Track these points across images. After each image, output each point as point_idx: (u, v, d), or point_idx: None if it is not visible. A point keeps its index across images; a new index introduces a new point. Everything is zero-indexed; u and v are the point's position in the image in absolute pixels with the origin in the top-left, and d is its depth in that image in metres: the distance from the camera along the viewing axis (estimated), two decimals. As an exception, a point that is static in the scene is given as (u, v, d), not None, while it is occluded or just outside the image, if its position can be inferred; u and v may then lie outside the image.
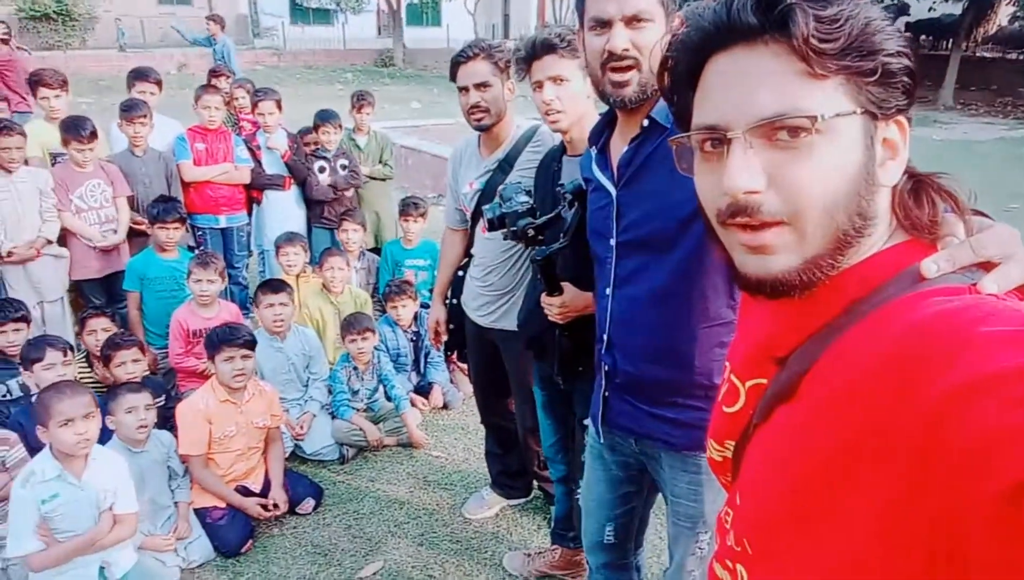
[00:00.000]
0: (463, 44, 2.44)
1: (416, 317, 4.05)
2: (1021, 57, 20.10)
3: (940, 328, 0.58)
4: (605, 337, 1.64)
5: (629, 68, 1.43)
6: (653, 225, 1.49)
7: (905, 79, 0.68)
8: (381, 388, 3.76)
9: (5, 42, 7.65)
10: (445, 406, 3.99)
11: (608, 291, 1.61)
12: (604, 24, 1.43)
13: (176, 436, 2.96)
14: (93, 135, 3.88)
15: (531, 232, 1.90)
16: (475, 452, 3.53)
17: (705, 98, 0.73)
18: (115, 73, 16.65)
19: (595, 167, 1.62)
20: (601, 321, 1.66)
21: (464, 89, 2.36)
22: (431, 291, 3.14)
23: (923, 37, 22.02)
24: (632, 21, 1.41)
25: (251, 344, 3.01)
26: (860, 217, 0.69)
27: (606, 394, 1.68)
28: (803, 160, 0.67)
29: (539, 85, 1.99)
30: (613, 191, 1.56)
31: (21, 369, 3.10)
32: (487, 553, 2.89)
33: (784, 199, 0.68)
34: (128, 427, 2.71)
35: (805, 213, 0.68)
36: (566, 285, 1.99)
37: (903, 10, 18.99)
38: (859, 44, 0.65)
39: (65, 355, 3.00)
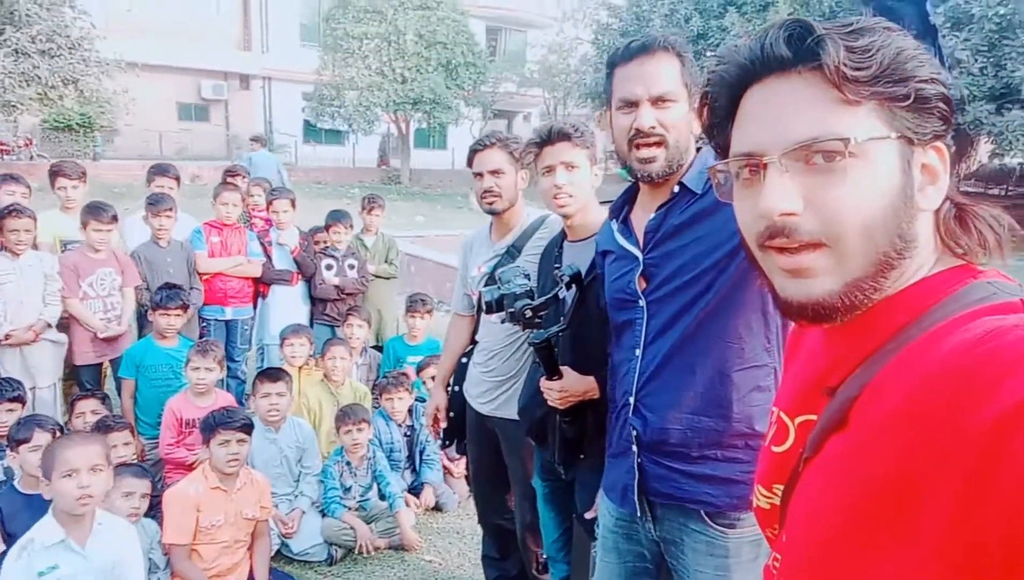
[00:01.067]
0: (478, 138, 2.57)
1: (411, 411, 3.99)
2: (1003, 192, 20.92)
3: (990, 347, 0.58)
4: (631, 400, 1.61)
5: (657, 144, 1.52)
6: (686, 277, 1.51)
7: (940, 105, 0.70)
8: (375, 486, 3.63)
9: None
10: (438, 508, 3.84)
11: (637, 352, 1.60)
12: (631, 104, 1.53)
13: (160, 525, 2.83)
14: (114, 219, 3.98)
15: (528, 313, 1.92)
16: (470, 558, 3.36)
17: (742, 127, 0.76)
18: (130, 181, 17.25)
19: (619, 236, 1.66)
20: (627, 385, 1.63)
21: (479, 175, 2.46)
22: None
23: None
24: (658, 101, 1.50)
25: (248, 428, 2.95)
26: (900, 239, 0.69)
27: (639, 461, 1.62)
28: (839, 183, 0.68)
29: (550, 169, 2.05)
30: (640, 255, 1.59)
31: (7, 451, 3.01)
32: (482, 666, 2.69)
33: (821, 220, 0.69)
34: (120, 512, 2.59)
35: (843, 234, 0.68)
36: (565, 369, 1.98)
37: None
38: (891, 71, 0.68)
39: (54, 436, 2.92)
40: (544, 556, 2.65)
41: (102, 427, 3.14)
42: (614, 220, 1.71)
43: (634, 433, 1.61)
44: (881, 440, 0.64)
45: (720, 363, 1.49)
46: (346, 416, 3.54)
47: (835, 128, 0.68)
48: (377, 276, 5.01)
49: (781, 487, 0.85)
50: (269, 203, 4.74)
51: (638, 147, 1.53)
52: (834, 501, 0.70)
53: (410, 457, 3.98)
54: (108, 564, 2.26)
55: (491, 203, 2.46)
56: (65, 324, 4.00)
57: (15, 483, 2.93)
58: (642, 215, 1.63)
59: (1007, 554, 0.51)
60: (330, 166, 24.36)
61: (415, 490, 3.89)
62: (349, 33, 20.94)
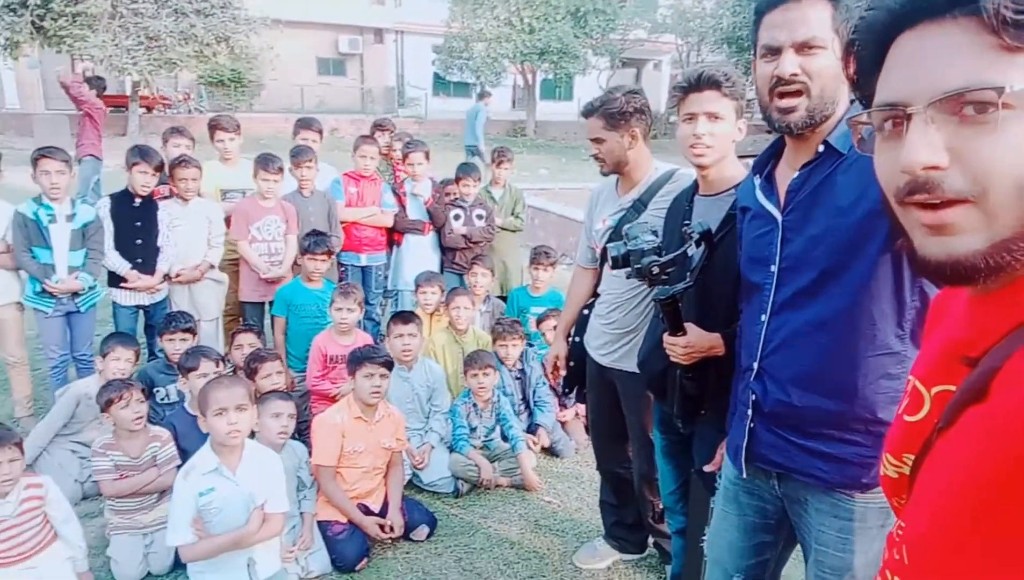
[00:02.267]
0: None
1: (522, 356, 4.11)
2: None
3: None
4: (755, 365, 1.59)
5: (797, 93, 1.45)
6: (821, 249, 1.46)
7: None
8: (498, 428, 3.80)
9: (91, 86, 8.56)
10: (555, 453, 3.97)
11: (763, 318, 1.57)
12: (774, 51, 1.46)
13: (309, 448, 3.13)
14: (280, 170, 4.33)
15: (655, 270, 1.90)
16: (588, 503, 3.47)
17: (887, 76, 0.72)
18: (276, 134, 18.36)
19: (760, 194, 1.61)
20: (751, 348, 1.61)
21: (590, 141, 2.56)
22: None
23: None
24: (803, 48, 1.43)
25: (389, 364, 3.18)
26: None
27: (752, 425, 1.61)
28: (991, 135, 0.63)
29: (691, 117, 2.01)
30: (779, 217, 1.54)
31: (179, 377, 3.41)
32: (596, 604, 2.82)
33: (969, 176, 0.64)
34: (271, 431, 2.90)
35: (993, 190, 0.64)
36: (690, 326, 1.97)
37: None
38: None
39: (217, 365, 3.28)
40: (661, 506, 2.70)
41: (256, 358, 3.48)
42: (757, 175, 1.64)
43: (752, 397, 1.60)
44: (1021, 417, 0.61)
45: (850, 346, 1.44)
46: (473, 361, 3.72)
47: (990, 76, 0.63)
48: (503, 228, 5.14)
49: (911, 457, 0.83)
50: (405, 156, 4.94)
51: (780, 96, 1.46)
52: (966, 476, 0.67)
53: (524, 400, 4.12)
54: (255, 487, 2.55)
55: (600, 168, 2.57)
56: (232, 266, 4.43)
57: (185, 405, 3.34)
58: (787, 172, 1.56)
59: None
60: (458, 119, 24.73)
61: (529, 432, 4.02)
62: (478, -16, 20.99)
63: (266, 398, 2.99)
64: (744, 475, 1.67)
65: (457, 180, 4.97)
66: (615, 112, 2.46)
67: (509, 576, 2.96)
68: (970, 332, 0.75)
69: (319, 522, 3.03)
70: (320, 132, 4.99)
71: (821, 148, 1.47)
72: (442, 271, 4.99)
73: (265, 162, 4.29)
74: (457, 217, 4.89)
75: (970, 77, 0.64)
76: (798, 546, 1.73)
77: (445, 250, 4.99)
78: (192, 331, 3.78)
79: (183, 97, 21.62)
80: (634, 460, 2.78)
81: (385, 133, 5.47)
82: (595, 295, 2.78)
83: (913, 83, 0.68)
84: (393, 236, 5.00)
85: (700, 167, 2.09)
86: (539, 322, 4.46)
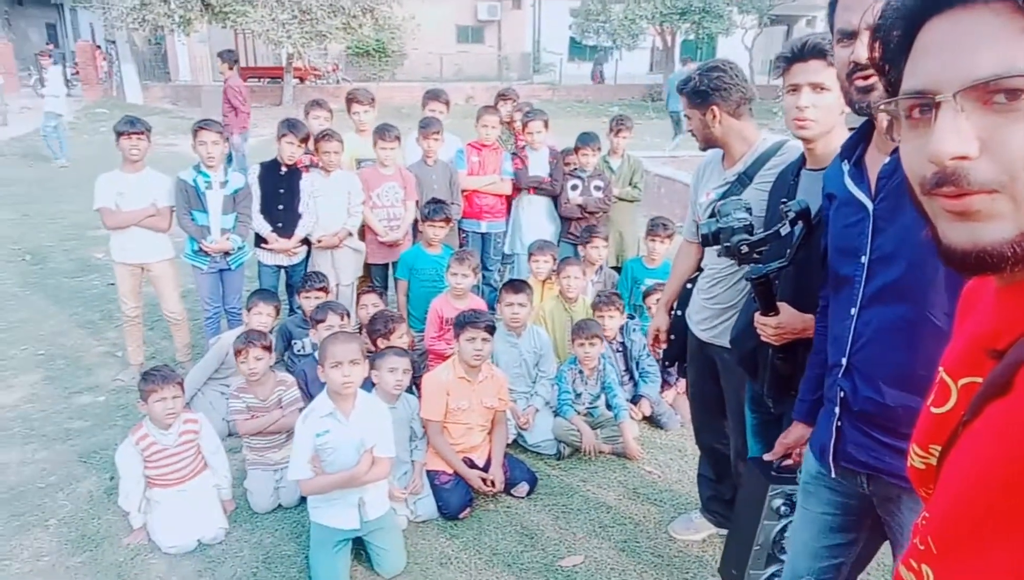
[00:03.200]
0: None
1: (623, 329, 4.14)
2: None
3: None
4: (844, 361, 1.54)
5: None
6: (916, 239, 1.38)
7: None
8: (602, 397, 3.88)
9: (231, 67, 9.04)
10: (658, 425, 4.00)
11: (853, 312, 1.51)
12: (850, 36, 1.43)
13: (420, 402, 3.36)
14: (396, 138, 4.59)
15: (744, 249, 1.88)
16: (688, 475, 3.49)
17: (916, 63, 0.70)
18: (414, 102, 19.03)
19: (849, 181, 1.54)
20: (840, 344, 1.56)
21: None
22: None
23: None
24: None
25: (491, 329, 3.33)
26: None
27: (839, 423, 1.56)
28: (1022, 123, 0.62)
29: (795, 88, 1.94)
30: (870, 205, 1.48)
31: (311, 329, 3.76)
32: (687, 574, 2.86)
33: (1000, 166, 0.63)
34: (387, 383, 3.15)
35: (1023, 179, 0.62)
36: (783, 306, 1.93)
37: None
38: None
39: (343, 319, 3.59)
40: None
41: (391, 319, 3.74)
42: (845, 161, 1.57)
43: (841, 394, 1.55)
44: None
45: (942, 342, 1.38)
46: (580, 330, 3.80)
47: (1023, 63, 0.61)
48: (620, 198, 5.13)
49: (938, 448, 0.83)
50: (524, 124, 5.04)
51: (858, 79, 1.42)
52: (987, 470, 0.67)
53: (627, 371, 4.15)
54: (365, 432, 2.78)
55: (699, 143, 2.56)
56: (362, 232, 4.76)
57: (316, 355, 3.67)
58: (877, 157, 1.49)
59: None
60: (592, 84, 24.51)
61: (632, 402, 4.06)
62: (618, -57, 20.45)
63: (384, 353, 3.24)
64: (833, 475, 1.62)
65: (576, 150, 5.00)
66: (691, 91, 2.45)
67: (603, 538, 3.06)
68: (996, 323, 0.73)
69: (428, 471, 3.27)
70: (447, 103, 5.19)
71: None
72: (559, 240, 5.07)
73: (382, 132, 4.54)
74: (574, 187, 4.94)
75: (1003, 64, 0.62)
76: (878, 551, 1.69)
77: (562, 220, 5.06)
78: (325, 289, 4.13)
79: (332, 68, 22.87)
80: (731, 436, 2.77)
81: (508, 102, 5.57)
82: (700, 269, 2.77)
83: (943, 70, 0.66)
84: (513, 195, 5.11)
85: (805, 140, 2.03)
86: (645, 296, 4.45)
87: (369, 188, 4.59)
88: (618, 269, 5.02)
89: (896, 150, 1.42)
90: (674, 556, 2.97)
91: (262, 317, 3.81)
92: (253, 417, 3.31)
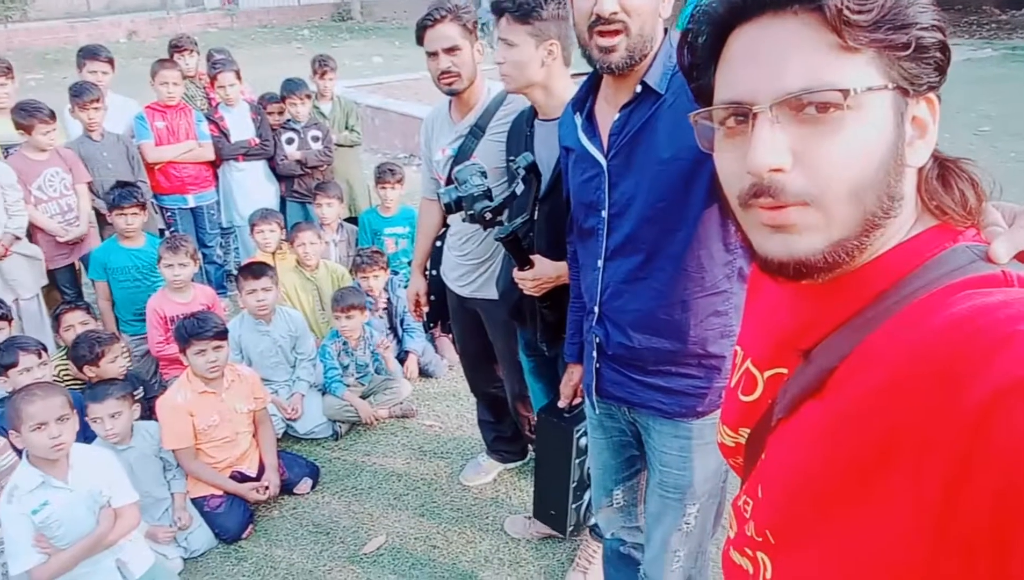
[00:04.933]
0: (428, 6, 2.34)
1: (387, 286, 4.01)
2: (986, -28, 19.87)
3: (979, 324, 0.56)
4: (596, 309, 1.63)
5: (617, 32, 1.38)
6: (648, 195, 1.46)
7: (938, 55, 0.65)
8: (371, 364, 3.72)
9: None
10: (427, 374, 3.97)
11: (599, 263, 1.59)
12: None
13: (165, 428, 2.92)
14: (52, 116, 3.74)
15: (488, 215, 1.90)
16: (468, 419, 3.54)
17: (729, 71, 0.70)
18: (62, 45, 16.00)
19: (582, 135, 1.57)
20: (592, 293, 1.64)
21: (433, 54, 2.28)
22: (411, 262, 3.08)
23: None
24: None
25: (222, 334, 2.94)
26: (888, 198, 0.66)
27: (598, 366, 1.68)
28: (831, 137, 0.64)
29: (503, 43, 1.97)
30: (603, 161, 1.51)
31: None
32: (488, 519, 2.92)
33: (810, 179, 0.65)
34: (100, 434, 2.68)
35: (832, 194, 0.64)
36: (537, 258, 2.01)
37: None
38: (892, 16, 0.62)
39: (39, 357, 2.93)
40: (535, 420, 2.79)
41: (96, 342, 3.11)
42: (577, 113, 1.59)
43: (596, 340, 1.65)
44: (864, 414, 0.64)
45: (680, 290, 1.49)
46: (336, 303, 3.56)
47: (832, 78, 0.63)
48: (340, 145, 4.80)
49: (747, 430, 0.88)
50: (212, 78, 4.43)
51: (600, 35, 1.39)
52: (809, 468, 0.71)
53: (392, 329, 4.04)
54: (94, 489, 2.36)
55: (450, 84, 2.30)
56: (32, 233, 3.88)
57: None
58: (607, 110, 1.52)
59: (996, 534, 0.52)
60: (275, 6, 22.59)
61: (400, 360, 3.97)
62: None
63: (95, 393, 2.70)
64: (596, 410, 1.76)
65: (283, 99, 4.54)
66: (473, 19, 2.27)
67: (400, 510, 3.00)
68: (798, 319, 0.77)
69: (194, 499, 2.89)
70: (111, 61, 4.34)
71: (639, 88, 1.43)
72: (284, 203, 4.65)
73: (35, 111, 3.67)
74: (290, 141, 4.52)
75: (815, 77, 0.63)
76: None
77: (282, 178, 4.62)
78: (7, 318, 3.33)
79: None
80: (505, 381, 2.83)
81: (185, 54, 4.82)
82: (446, 225, 2.69)
83: (758, 81, 0.66)
84: (216, 163, 4.54)
85: (515, 93, 2.09)
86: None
87: (26, 180, 3.72)
88: (354, 220, 4.75)
89: (626, 106, 1.46)
90: (472, 505, 3.02)
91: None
92: None
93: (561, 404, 2.14)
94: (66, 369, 3.30)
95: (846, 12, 0.61)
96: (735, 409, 0.91)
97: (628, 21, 1.37)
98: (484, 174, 1.93)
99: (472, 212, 1.88)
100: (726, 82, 0.70)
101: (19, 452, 2.72)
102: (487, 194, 1.88)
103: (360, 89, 9.20)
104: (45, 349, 3.00)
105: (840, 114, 0.63)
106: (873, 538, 0.63)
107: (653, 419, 1.65)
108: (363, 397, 3.58)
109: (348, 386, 3.60)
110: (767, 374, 0.84)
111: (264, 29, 20.67)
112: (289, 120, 4.54)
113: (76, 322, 3.42)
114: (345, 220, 4.63)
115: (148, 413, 3.04)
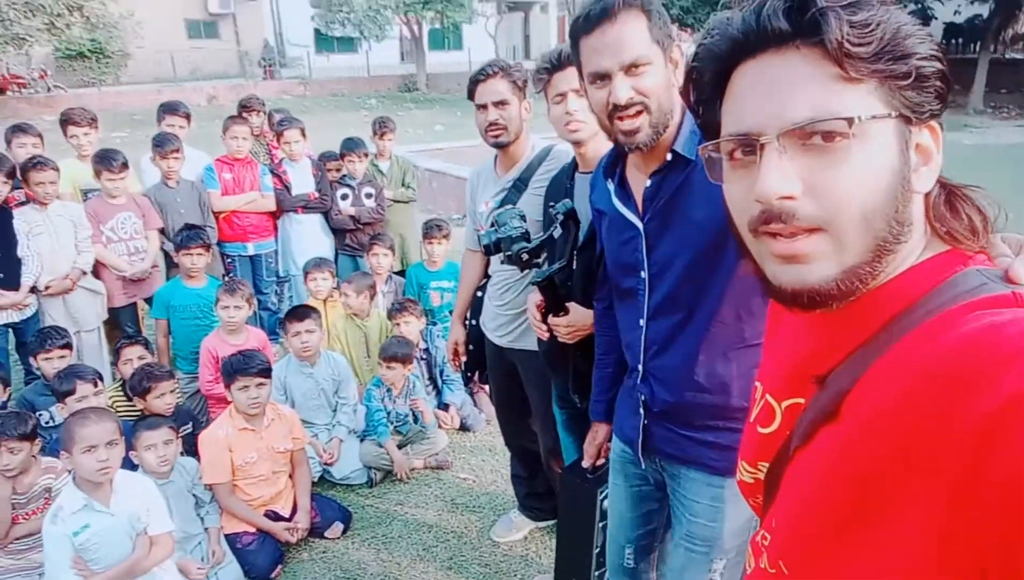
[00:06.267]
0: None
1: (424, 335, 4.07)
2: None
3: (988, 343, 0.57)
4: (640, 367, 1.63)
5: (638, 113, 1.43)
6: (687, 254, 1.48)
7: (938, 83, 0.68)
8: (411, 413, 3.76)
9: None
10: (466, 427, 3.98)
11: (641, 322, 1.60)
12: (603, 77, 1.44)
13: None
14: (124, 166, 4.01)
15: (525, 256, 1.93)
16: (503, 474, 3.51)
17: (735, 106, 0.72)
18: (149, 107, 17.13)
19: (616, 200, 1.61)
20: (634, 351, 1.65)
21: (482, 107, 2.38)
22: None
23: (951, 41, 21.78)
24: (631, 68, 1.41)
25: (266, 372, 3.03)
26: (897, 223, 0.67)
27: (645, 423, 1.67)
28: (839, 165, 0.65)
29: (562, 97, 2.00)
30: (640, 224, 1.54)
31: (57, 404, 3.17)
32: (516, 577, 2.87)
33: (821, 205, 0.66)
34: (150, 463, 2.76)
35: (843, 219, 0.66)
36: (572, 306, 2.01)
37: (926, 17, 18.72)
38: (892, 48, 0.65)
39: (95, 386, 3.07)
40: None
41: (149, 376, 3.24)
42: (609, 180, 1.64)
43: (642, 399, 1.65)
44: (875, 435, 0.63)
45: (721, 344, 1.50)
46: (385, 353, 3.63)
47: (837, 107, 0.65)
48: (395, 201, 5.00)
49: (766, 465, 0.87)
50: (279, 134, 4.69)
51: (620, 120, 1.44)
52: (824, 494, 0.70)
53: (431, 379, 4.09)
54: (133, 515, 2.42)
55: (496, 136, 2.39)
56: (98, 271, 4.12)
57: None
58: (638, 176, 1.56)
59: (1002, 553, 0.51)
60: (345, 76, 23.87)
61: (439, 410, 3.99)
62: (352, -70, 20.05)
63: (136, 428, 2.81)
64: (643, 465, 1.73)
65: (342, 157, 4.77)
66: (523, 77, 2.37)
67: (428, 561, 2.97)
68: (814, 347, 0.77)
69: (227, 535, 2.93)
70: (187, 116, 4.66)
71: (669, 156, 1.47)
72: (336, 254, 4.82)
73: (106, 161, 3.96)
74: (344, 197, 4.72)
75: (820, 107, 0.65)
76: None
77: (336, 232, 4.81)
78: (69, 346, 3.51)
79: (40, 75, 19.78)
80: (539, 435, 2.82)
81: (253, 113, 5.13)
82: (487, 276, 2.76)
83: (764, 113, 0.68)
84: (278, 214, 4.76)
85: (577, 144, 2.09)
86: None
87: (100, 221, 3.99)
88: (403, 273, 4.89)
89: (656, 172, 1.50)
90: (500, 561, 2.96)
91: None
92: (16, 520, 2.70)
93: (585, 464, 2.10)
94: (119, 400, 3.44)
95: (847, 45, 0.64)
96: (753, 442, 0.90)
97: (646, 101, 1.42)
98: (523, 218, 1.98)
99: (510, 253, 1.92)
100: (733, 115, 0.72)
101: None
102: (525, 236, 1.93)
103: (421, 154, 9.58)
104: (101, 378, 3.15)
105: (846, 143, 0.65)
106: (886, 565, 0.61)
107: (686, 467, 1.63)
108: (400, 446, 3.60)
109: (389, 433, 3.63)
110: (784, 404, 0.84)
111: (334, 97, 21.79)
112: (345, 176, 4.76)
113: (135, 356, 3.57)
114: (395, 273, 4.77)
115: (186, 449, 3.12)
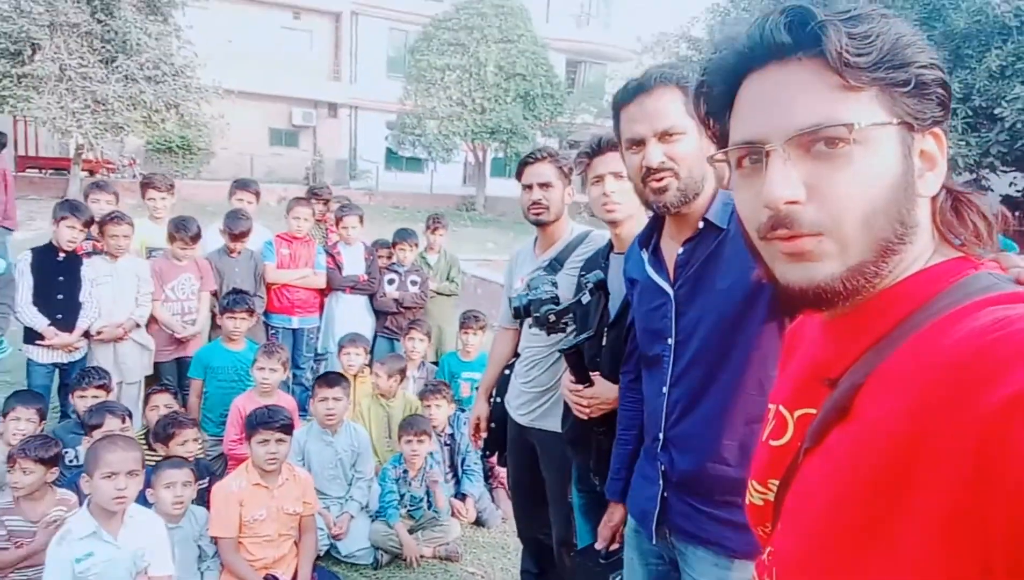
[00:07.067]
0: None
1: (451, 421, 4.05)
2: None
3: (998, 335, 0.57)
4: (660, 435, 1.62)
5: (667, 176, 1.53)
6: (711, 318, 1.51)
7: (939, 91, 0.70)
8: (425, 498, 3.69)
9: None
10: (480, 523, 3.87)
11: (664, 390, 1.61)
12: (639, 143, 1.55)
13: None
14: (196, 237, 4.26)
15: (552, 318, 1.97)
16: (512, 573, 3.36)
17: (742, 116, 0.76)
18: (220, 200, 18.15)
19: (649, 268, 1.67)
20: (656, 418, 1.64)
21: (528, 187, 2.53)
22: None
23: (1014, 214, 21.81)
24: (664, 136, 1.52)
25: (287, 428, 3.05)
26: (901, 225, 0.69)
27: (664, 495, 1.63)
28: (841, 170, 0.68)
29: (599, 179, 2.11)
30: (670, 291, 1.59)
31: (83, 435, 3.24)
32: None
33: (823, 210, 0.68)
34: (165, 502, 2.76)
35: (844, 223, 0.68)
36: (597, 378, 2.02)
37: (981, 187, 18.84)
38: (891, 57, 0.68)
39: (123, 422, 3.13)
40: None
41: (174, 423, 3.32)
42: (644, 249, 1.71)
43: (662, 468, 1.63)
44: (887, 430, 0.63)
45: (743, 413, 1.49)
46: (408, 426, 3.64)
47: (838, 115, 0.68)
48: (439, 293, 5.15)
49: (776, 483, 0.84)
50: (338, 219, 4.95)
51: (651, 181, 1.54)
52: (835, 492, 0.69)
53: (452, 466, 4.03)
54: (138, 551, 2.41)
55: (538, 214, 2.53)
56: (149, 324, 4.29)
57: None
58: (671, 245, 1.63)
59: (1007, 548, 0.50)
60: (409, 192, 25.05)
61: (456, 498, 3.91)
62: (432, 65, 21.68)
63: (159, 466, 2.84)
64: (654, 541, 1.67)
65: (394, 245, 4.99)
66: (568, 163, 2.51)
67: (424, 651, 2.82)
68: (827, 353, 0.78)
69: (223, 594, 2.86)
70: (256, 193, 4.97)
71: (701, 225, 1.55)
72: (376, 335, 4.93)
73: (181, 229, 4.21)
74: (391, 281, 4.89)
75: (821, 115, 0.68)
76: None
77: (378, 314, 4.95)
78: (106, 388, 3.61)
79: (129, 162, 21.35)
80: (553, 523, 2.73)
81: (320, 202, 5.44)
82: (516, 355, 2.79)
83: (769, 122, 0.72)
84: (326, 292, 4.92)
85: (612, 223, 2.17)
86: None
87: (163, 281, 4.20)
88: (436, 363, 4.95)
89: (688, 241, 1.57)
90: (500, 662, 2.80)
91: (20, 423, 3.22)
92: (18, 545, 2.70)
93: (599, 546, 2.02)
94: (144, 449, 3.48)
95: (846, 55, 0.67)
96: (764, 458, 0.89)
97: (676, 167, 1.52)
98: (554, 284, 2.04)
99: (537, 314, 1.96)
100: (740, 125, 0.76)
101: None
102: (554, 299, 1.98)
103: (470, 262, 9.87)
104: (130, 415, 3.21)
105: (848, 149, 0.67)
106: (898, 562, 0.60)
107: (694, 546, 1.57)
108: (411, 531, 3.51)
109: (400, 516, 3.55)
110: (797, 414, 0.83)
111: (396, 209, 22.79)
112: (394, 264, 4.95)
113: (161, 404, 3.65)
114: (430, 362, 4.83)
115: (199, 499, 3.10)
